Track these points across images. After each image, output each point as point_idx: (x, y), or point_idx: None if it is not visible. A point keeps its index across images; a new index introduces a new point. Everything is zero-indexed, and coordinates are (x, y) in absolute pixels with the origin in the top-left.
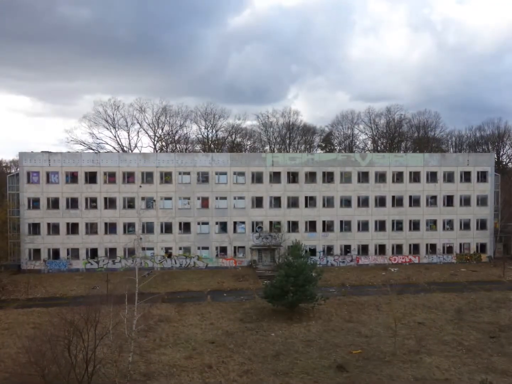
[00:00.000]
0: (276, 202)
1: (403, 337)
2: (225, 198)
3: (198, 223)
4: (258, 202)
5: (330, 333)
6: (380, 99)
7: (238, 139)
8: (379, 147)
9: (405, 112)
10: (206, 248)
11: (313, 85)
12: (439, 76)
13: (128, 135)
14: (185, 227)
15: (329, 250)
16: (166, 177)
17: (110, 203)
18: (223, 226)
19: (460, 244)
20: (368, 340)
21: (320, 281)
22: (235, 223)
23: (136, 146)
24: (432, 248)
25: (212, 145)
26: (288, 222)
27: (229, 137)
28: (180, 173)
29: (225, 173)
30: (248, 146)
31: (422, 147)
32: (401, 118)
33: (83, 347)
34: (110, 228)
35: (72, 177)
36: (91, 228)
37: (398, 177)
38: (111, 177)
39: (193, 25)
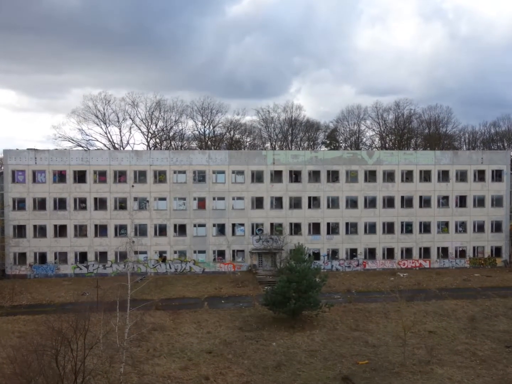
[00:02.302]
0: (278, 202)
1: (413, 346)
2: (223, 198)
3: (194, 225)
4: (258, 202)
5: (335, 343)
6: (388, 93)
7: (237, 136)
8: (387, 144)
9: (415, 107)
10: (203, 251)
11: (317, 78)
12: (451, 68)
13: (120, 132)
14: (181, 229)
15: (334, 254)
16: (160, 176)
17: (100, 203)
18: (221, 229)
19: (474, 248)
20: (376, 350)
21: (324, 287)
22: (233, 225)
23: (128, 143)
24: (443, 251)
25: (209, 142)
26: (290, 224)
27: (227, 133)
28: (175, 172)
29: (223, 172)
30: (247, 143)
31: (433, 144)
32: (411, 113)
33: (72, 357)
34: (101, 230)
35: (60, 176)
36: (80, 231)
37: (407, 176)
38: (101, 176)
39: (190, 14)
